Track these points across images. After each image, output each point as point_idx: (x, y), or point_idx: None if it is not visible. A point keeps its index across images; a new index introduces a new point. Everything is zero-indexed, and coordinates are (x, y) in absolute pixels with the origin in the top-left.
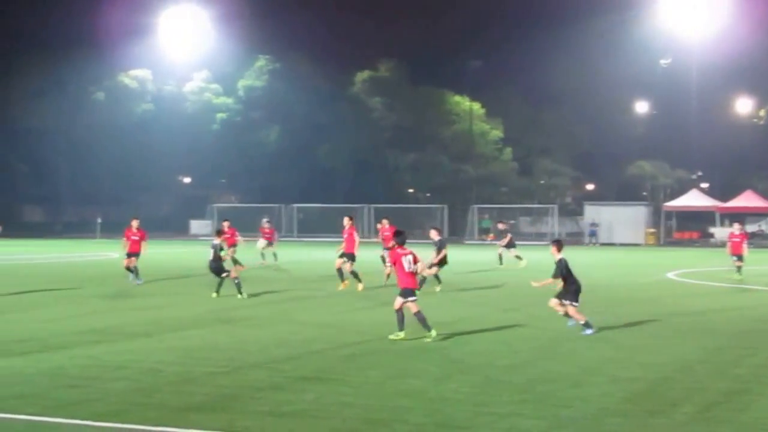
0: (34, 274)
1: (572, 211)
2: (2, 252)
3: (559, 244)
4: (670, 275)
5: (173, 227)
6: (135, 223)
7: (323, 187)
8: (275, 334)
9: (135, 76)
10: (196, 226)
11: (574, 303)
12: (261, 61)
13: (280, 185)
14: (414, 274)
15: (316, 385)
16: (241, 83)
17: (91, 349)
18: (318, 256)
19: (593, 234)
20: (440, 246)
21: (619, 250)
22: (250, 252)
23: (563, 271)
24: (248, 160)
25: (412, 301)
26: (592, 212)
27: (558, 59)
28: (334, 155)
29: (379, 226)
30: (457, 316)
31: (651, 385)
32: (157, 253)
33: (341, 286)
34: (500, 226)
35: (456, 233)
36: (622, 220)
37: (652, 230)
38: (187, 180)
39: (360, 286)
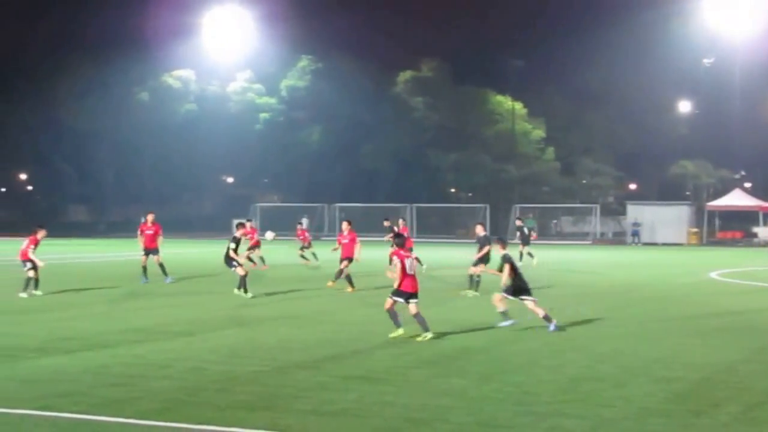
0: (77, 273)
1: (614, 211)
2: (47, 251)
3: (502, 242)
4: (713, 275)
5: (216, 227)
6: (150, 218)
7: (365, 186)
8: (318, 333)
9: (179, 77)
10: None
11: (523, 298)
12: (304, 61)
13: (323, 185)
14: (414, 278)
15: (359, 384)
16: (284, 83)
17: (134, 348)
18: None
19: (636, 234)
20: (483, 243)
21: (662, 250)
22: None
23: (502, 267)
24: (291, 160)
25: (414, 302)
26: (635, 212)
27: (600, 58)
28: (377, 155)
29: (389, 226)
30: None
31: (694, 385)
32: (199, 252)
33: (349, 290)
34: (518, 222)
35: (498, 233)
36: (665, 219)
37: (695, 230)
38: (230, 180)
39: (350, 290)
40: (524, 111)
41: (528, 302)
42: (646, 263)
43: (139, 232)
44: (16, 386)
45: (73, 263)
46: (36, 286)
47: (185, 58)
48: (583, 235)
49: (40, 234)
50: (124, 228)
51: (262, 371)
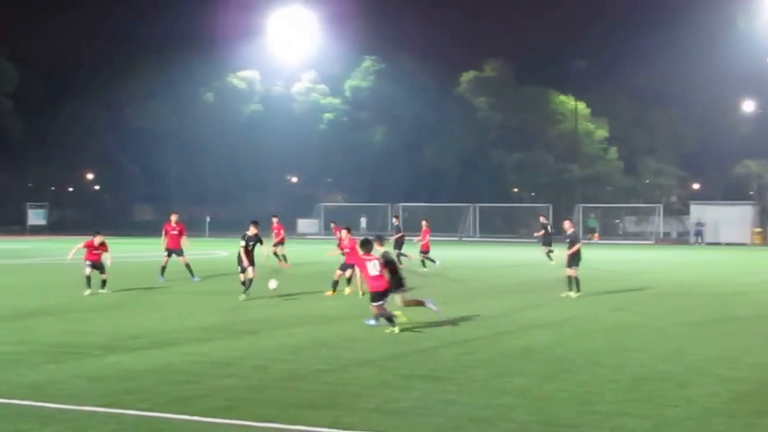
0: (144, 271)
1: (678, 211)
2: (112, 250)
3: (380, 239)
4: None
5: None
6: (174, 218)
7: (429, 186)
8: (381, 332)
9: (243, 77)
10: (303, 225)
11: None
12: (367, 62)
13: (386, 184)
14: (381, 276)
15: (422, 383)
16: (348, 83)
17: (199, 346)
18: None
19: (699, 233)
20: (573, 239)
21: (725, 250)
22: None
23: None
24: (354, 160)
25: (378, 305)
26: (698, 212)
27: (664, 57)
28: (440, 155)
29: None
30: (565, 316)
31: (758, 385)
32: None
33: (347, 291)
34: (542, 220)
35: (560, 232)
36: (728, 219)
37: (759, 230)
38: (294, 179)
39: (330, 293)
40: (587, 111)
41: (397, 296)
42: (709, 263)
43: (163, 233)
44: (83, 383)
45: (140, 262)
46: (103, 286)
47: (250, 59)
48: (646, 235)
49: (97, 239)
50: (189, 227)
51: (326, 369)
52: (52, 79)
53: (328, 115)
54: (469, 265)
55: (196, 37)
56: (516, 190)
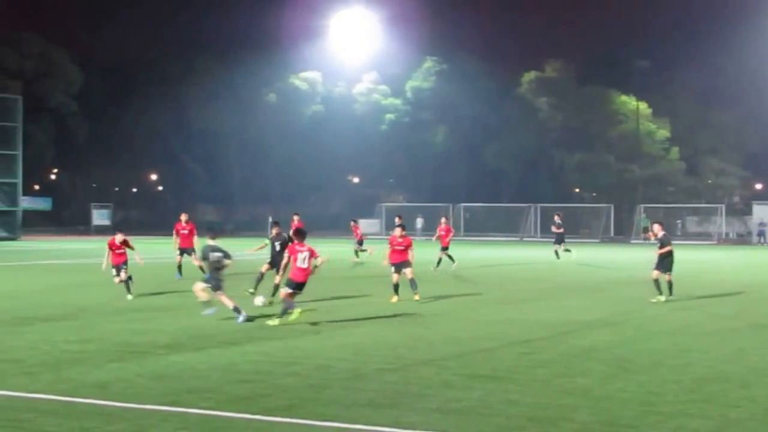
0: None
1: (740, 211)
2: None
3: (213, 232)
4: None
5: (342, 226)
6: (184, 217)
7: (490, 186)
8: (443, 331)
9: (305, 78)
10: (365, 225)
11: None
12: (429, 62)
13: (447, 185)
14: (306, 269)
15: (483, 383)
16: (409, 84)
17: (262, 345)
18: (483, 254)
19: (762, 234)
20: (664, 242)
21: None
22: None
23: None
24: (416, 160)
25: (289, 293)
26: (761, 212)
27: (727, 57)
28: (501, 155)
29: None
30: (627, 316)
31: None
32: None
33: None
34: (556, 218)
35: (622, 233)
36: None
37: None
38: (356, 180)
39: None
40: (648, 111)
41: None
42: None
43: (174, 233)
44: (145, 382)
45: None
46: (127, 288)
47: (312, 60)
48: (707, 236)
49: (118, 238)
50: (251, 227)
51: (388, 369)
52: (116, 81)
53: (389, 116)
54: (530, 265)
55: (259, 38)
56: (577, 190)
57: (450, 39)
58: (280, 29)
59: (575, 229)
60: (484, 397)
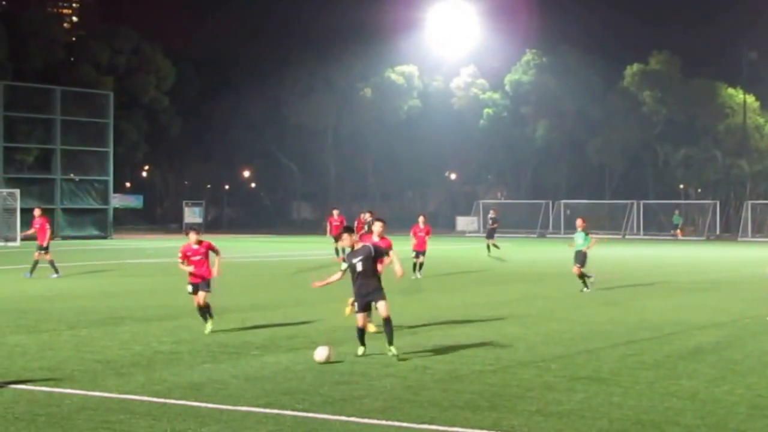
0: (303, 270)
1: None
2: (277, 247)
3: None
4: None
5: (440, 223)
6: (336, 212)
7: (592, 182)
8: (543, 331)
9: (402, 72)
10: (463, 222)
11: None
12: (528, 55)
13: (548, 181)
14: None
15: (585, 385)
16: (508, 78)
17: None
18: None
19: None
20: None
21: None
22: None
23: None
24: (515, 156)
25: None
26: None
27: None
28: (604, 150)
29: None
30: (732, 316)
31: None
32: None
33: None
34: (492, 213)
35: (729, 230)
36: None
37: None
38: (453, 176)
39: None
40: (757, 104)
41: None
42: None
43: (327, 224)
44: (240, 383)
45: (301, 260)
46: (204, 316)
47: (408, 54)
48: None
49: (192, 237)
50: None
51: (486, 370)
52: (210, 76)
53: (488, 111)
54: (632, 263)
55: (355, 31)
56: (682, 186)
57: (550, 31)
58: (376, 22)
59: (684, 226)
60: (586, 400)
